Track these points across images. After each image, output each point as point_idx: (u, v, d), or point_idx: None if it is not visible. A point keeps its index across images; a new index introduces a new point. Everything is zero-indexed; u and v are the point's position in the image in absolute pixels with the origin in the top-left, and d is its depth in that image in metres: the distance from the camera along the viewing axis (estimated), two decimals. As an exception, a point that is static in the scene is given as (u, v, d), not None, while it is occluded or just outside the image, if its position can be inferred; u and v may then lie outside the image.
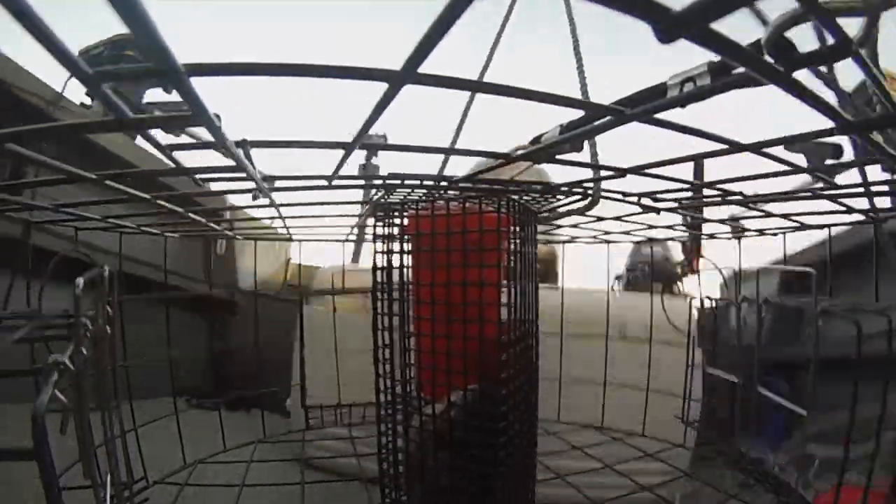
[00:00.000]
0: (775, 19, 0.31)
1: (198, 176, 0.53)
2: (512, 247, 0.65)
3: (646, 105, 0.35)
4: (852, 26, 0.30)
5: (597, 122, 0.37)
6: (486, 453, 0.63)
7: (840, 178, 0.67)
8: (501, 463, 0.63)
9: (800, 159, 0.57)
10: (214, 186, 0.58)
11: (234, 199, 0.68)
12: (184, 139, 0.46)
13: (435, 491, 0.66)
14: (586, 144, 0.59)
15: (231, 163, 0.45)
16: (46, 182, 0.58)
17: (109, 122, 0.36)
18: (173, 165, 0.49)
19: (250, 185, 0.54)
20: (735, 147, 0.54)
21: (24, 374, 0.62)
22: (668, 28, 0.21)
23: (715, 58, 0.35)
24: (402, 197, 0.61)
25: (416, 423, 0.67)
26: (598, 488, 1.01)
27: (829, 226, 1.07)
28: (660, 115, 0.38)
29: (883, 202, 0.81)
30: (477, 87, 0.30)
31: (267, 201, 0.61)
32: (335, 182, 0.50)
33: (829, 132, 0.39)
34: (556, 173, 0.51)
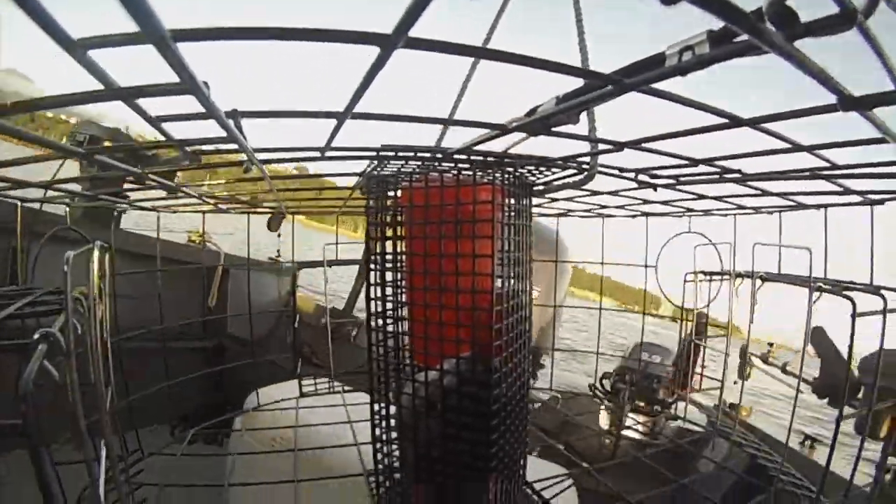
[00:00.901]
0: None
1: (188, 148, 0.52)
2: (506, 219, 0.65)
3: (645, 74, 0.35)
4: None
5: (594, 93, 0.37)
6: (479, 421, 0.64)
7: (838, 158, 0.67)
8: (493, 430, 0.64)
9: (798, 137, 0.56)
10: (206, 159, 0.58)
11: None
12: (173, 110, 0.45)
13: (427, 457, 0.67)
14: (584, 118, 0.58)
15: (222, 133, 0.45)
16: (38, 159, 0.58)
17: (99, 92, 0.35)
18: (163, 137, 0.48)
19: (242, 157, 0.54)
20: (734, 121, 0.54)
21: (13, 348, 0.62)
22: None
23: (714, 27, 0.34)
24: (395, 169, 0.61)
25: (409, 390, 0.67)
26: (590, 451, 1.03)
27: (826, 206, 1.07)
28: (659, 86, 0.38)
29: (879, 184, 0.81)
30: (470, 51, 0.29)
31: (259, 173, 0.61)
32: (328, 153, 0.50)
33: (833, 108, 0.39)
34: (553, 146, 0.51)
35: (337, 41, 0.28)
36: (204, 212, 1.09)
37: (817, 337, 1.16)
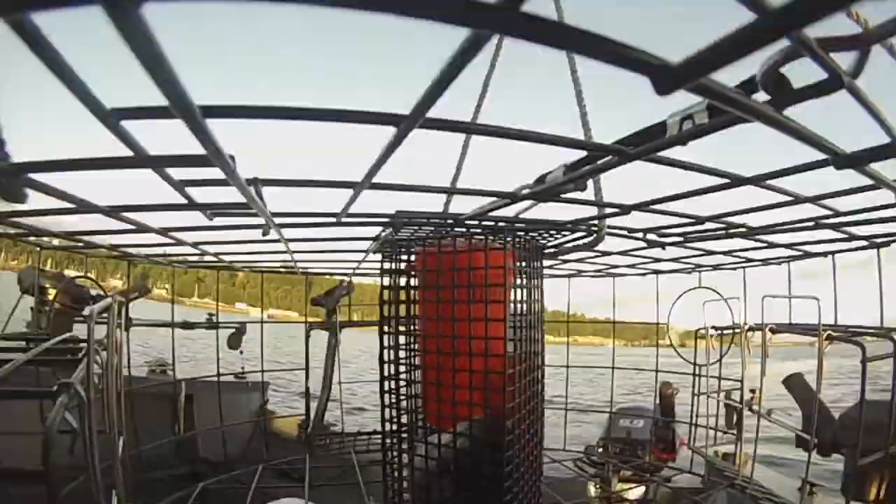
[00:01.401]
0: (769, 57, 0.32)
1: (209, 211, 0.54)
2: (518, 282, 0.66)
3: (647, 144, 0.36)
4: (846, 57, 0.31)
5: (600, 162, 0.38)
6: (492, 482, 0.63)
7: (840, 204, 0.68)
8: (507, 491, 0.63)
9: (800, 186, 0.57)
10: (224, 221, 0.59)
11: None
12: (196, 175, 0.47)
13: None
14: (590, 182, 0.59)
15: (242, 200, 0.46)
16: (61, 212, 0.59)
17: (128, 159, 0.37)
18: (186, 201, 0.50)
19: (261, 220, 0.55)
20: (736, 181, 0.55)
21: (32, 395, 0.62)
22: (666, 82, 0.22)
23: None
24: (409, 234, 0.62)
25: (422, 451, 0.67)
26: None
27: (832, 253, 1.07)
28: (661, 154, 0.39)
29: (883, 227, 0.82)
30: (484, 130, 0.31)
31: (277, 236, 0.62)
32: (344, 219, 0.51)
33: (825, 163, 0.40)
34: (562, 209, 0.52)
35: (358, 122, 0.30)
36: (218, 268, 1.11)
37: (795, 383, 1.14)
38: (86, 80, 0.26)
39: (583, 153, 0.44)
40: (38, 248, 0.87)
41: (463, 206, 0.56)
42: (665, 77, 0.21)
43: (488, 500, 0.63)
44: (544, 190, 0.42)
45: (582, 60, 0.74)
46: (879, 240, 0.85)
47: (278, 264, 1.07)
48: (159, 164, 0.39)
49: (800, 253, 1.03)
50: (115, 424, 0.67)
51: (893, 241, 0.86)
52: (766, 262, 1.16)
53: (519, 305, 0.66)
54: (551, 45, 0.19)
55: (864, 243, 0.88)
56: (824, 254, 1.09)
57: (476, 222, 0.56)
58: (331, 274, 1.19)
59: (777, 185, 0.52)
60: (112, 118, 0.32)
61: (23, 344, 0.79)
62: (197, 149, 0.34)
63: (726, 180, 0.54)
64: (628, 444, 1.79)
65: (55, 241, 0.83)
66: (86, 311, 0.61)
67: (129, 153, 0.36)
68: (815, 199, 0.61)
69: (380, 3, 0.16)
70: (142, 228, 0.66)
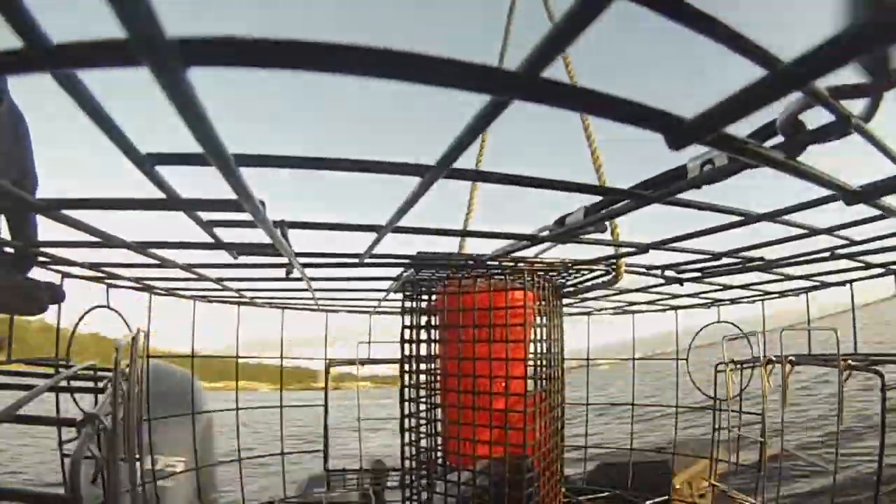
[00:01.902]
0: (787, 105, 0.33)
1: (234, 251, 0.56)
2: (538, 321, 0.67)
3: (663, 189, 0.37)
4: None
5: (619, 205, 0.39)
6: None
7: (856, 234, 0.68)
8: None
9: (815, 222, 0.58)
10: (248, 259, 0.61)
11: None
12: (224, 217, 0.48)
13: None
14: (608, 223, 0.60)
15: (268, 241, 0.48)
16: (84, 245, 0.61)
17: (159, 201, 0.39)
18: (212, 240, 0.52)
19: (284, 260, 0.57)
20: (750, 219, 0.55)
21: (59, 423, 0.64)
22: (679, 137, 0.23)
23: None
24: (430, 274, 0.63)
25: (441, 489, 0.66)
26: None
27: (850, 282, 1.06)
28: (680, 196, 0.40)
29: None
30: (507, 179, 0.32)
31: (300, 275, 0.63)
32: (366, 260, 0.52)
33: (835, 199, 0.41)
34: (580, 250, 0.53)
35: (383, 172, 0.31)
36: (239, 303, 1.13)
37: None
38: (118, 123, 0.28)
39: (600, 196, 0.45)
40: (62, 277, 0.89)
41: (483, 247, 0.57)
42: (678, 133, 0.23)
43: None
44: (565, 232, 0.43)
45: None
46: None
47: (299, 302, 1.09)
48: (192, 207, 0.40)
49: (817, 283, 1.03)
50: (134, 454, 0.68)
51: None
52: (783, 293, 1.15)
53: (539, 345, 0.67)
54: (568, 108, 0.20)
55: (881, 270, 0.88)
56: (842, 283, 1.08)
57: (496, 263, 0.57)
58: (351, 310, 1.20)
59: (791, 220, 0.53)
60: (147, 164, 0.33)
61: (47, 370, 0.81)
62: (227, 192, 0.36)
63: (741, 217, 0.55)
64: None
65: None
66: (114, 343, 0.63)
67: (162, 195, 0.38)
68: (830, 231, 0.61)
69: (404, 74, 0.17)
70: (166, 264, 0.68)
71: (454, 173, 0.31)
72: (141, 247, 0.60)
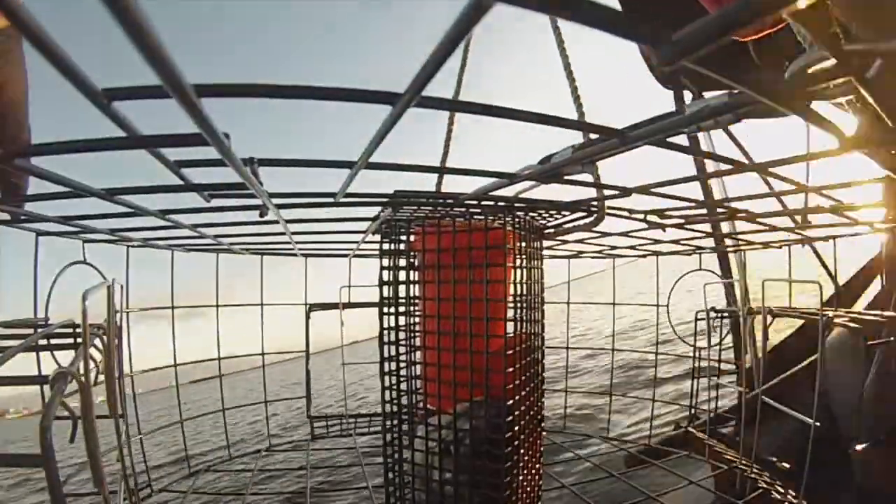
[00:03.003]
0: (801, 58, 0.32)
1: (206, 192, 0.54)
2: (518, 262, 0.66)
3: (648, 127, 0.36)
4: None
5: (608, 142, 0.37)
6: (492, 464, 0.64)
7: (844, 196, 0.67)
8: (507, 473, 0.64)
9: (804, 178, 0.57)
10: (221, 203, 0.59)
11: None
12: (191, 155, 0.46)
13: (440, 501, 0.66)
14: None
15: (239, 180, 0.46)
16: (55, 196, 0.59)
17: (121, 139, 0.37)
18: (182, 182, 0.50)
19: (258, 201, 0.55)
20: (739, 167, 0.54)
21: (31, 381, 0.62)
22: (667, 50, 0.22)
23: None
24: (408, 214, 0.62)
25: (422, 433, 0.67)
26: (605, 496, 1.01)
27: (833, 237, 1.07)
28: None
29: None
30: (481, 110, 0.30)
31: (275, 217, 0.62)
32: (341, 199, 0.51)
33: (834, 152, 0.40)
34: (562, 192, 0.51)
35: (352, 100, 0.29)
36: (217, 251, 1.11)
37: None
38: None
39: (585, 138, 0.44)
40: (36, 235, 0.86)
41: (463, 186, 0.55)
42: (667, 46, 0.21)
43: (488, 480, 0.64)
44: (546, 170, 0.42)
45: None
46: (880, 224, 0.85)
47: (278, 247, 1.07)
48: (153, 143, 0.38)
49: (801, 237, 1.03)
50: (116, 409, 0.68)
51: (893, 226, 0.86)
52: (766, 245, 1.15)
53: (519, 286, 0.66)
54: (556, 13, 0.19)
55: (867, 229, 0.88)
56: (825, 238, 1.09)
57: (476, 202, 0.56)
58: (330, 255, 1.18)
59: (779, 173, 0.52)
60: (104, 99, 0.31)
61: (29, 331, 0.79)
62: (192, 129, 0.34)
63: (730, 166, 0.53)
64: None
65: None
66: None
67: (122, 134, 0.36)
68: (819, 190, 0.60)
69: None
70: (139, 212, 0.65)
71: (428, 101, 0.29)
72: (109, 194, 0.57)
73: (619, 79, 29.45)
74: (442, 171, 0.45)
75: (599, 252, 1.19)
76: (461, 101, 0.30)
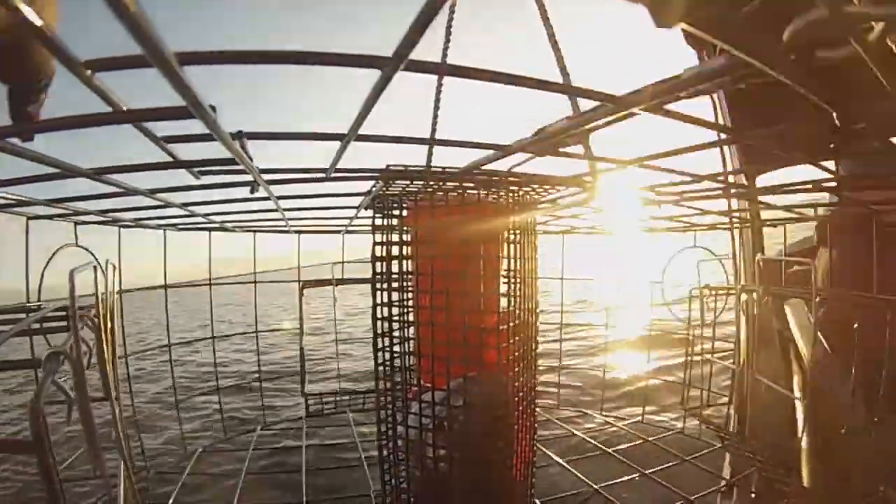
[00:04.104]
0: (799, 19, 0.31)
1: (195, 169, 0.53)
2: (511, 238, 0.65)
3: (642, 93, 0.35)
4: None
5: (603, 109, 0.36)
6: (486, 439, 0.64)
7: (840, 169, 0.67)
8: (500, 449, 0.64)
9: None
10: (212, 179, 0.58)
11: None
12: (179, 131, 0.46)
13: (434, 476, 0.66)
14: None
15: (228, 155, 0.45)
16: (42, 178, 0.58)
17: (106, 115, 0.36)
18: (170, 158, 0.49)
19: (248, 177, 0.54)
20: (736, 136, 0.54)
21: (24, 365, 0.62)
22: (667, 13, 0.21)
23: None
24: (400, 189, 0.61)
25: (416, 409, 0.67)
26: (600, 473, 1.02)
27: (827, 216, 1.06)
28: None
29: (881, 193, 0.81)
30: (473, 74, 0.29)
31: (266, 193, 0.61)
32: (333, 174, 0.50)
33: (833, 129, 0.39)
34: (556, 164, 0.50)
35: (339, 65, 0.28)
36: (209, 229, 1.10)
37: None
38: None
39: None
40: (26, 219, 0.85)
41: (457, 160, 0.55)
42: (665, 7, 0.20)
43: (482, 455, 0.64)
44: (543, 140, 0.41)
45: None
46: (876, 206, 0.85)
47: (270, 224, 1.06)
48: (138, 117, 0.38)
49: (796, 215, 1.03)
50: (111, 390, 0.67)
51: (891, 208, 0.86)
52: (762, 222, 1.15)
53: (513, 261, 0.66)
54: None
55: (862, 208, 0.88)
56: (820, 217, 1.08)
57: (469, 176, 0.55)
58: (323, 231, 1.18)
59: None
60: (85, 70, 0.31)
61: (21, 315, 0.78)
62: (177, 101, 0.33)
63: (726, 136, 0.53)
64: None
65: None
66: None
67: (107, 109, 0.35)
68: (812, 162, 0.60)
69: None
70: (129, 191, 0.64)
71: (417, 66, 0.28)
72: (97, 173, 0.56)
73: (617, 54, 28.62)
74: (434, 142, 0.44)
75: (593, 228, 1.19)
76: (451, 65, 0.29)
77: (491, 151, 0.44)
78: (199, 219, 0.91)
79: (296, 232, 1.16)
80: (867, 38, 0.29)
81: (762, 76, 0.29)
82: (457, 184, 0.58)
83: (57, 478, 0.44)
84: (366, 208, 0.73)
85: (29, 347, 0.75)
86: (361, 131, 0.38)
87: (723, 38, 0.27)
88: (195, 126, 0.38)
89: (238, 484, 0.99)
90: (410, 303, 0.69)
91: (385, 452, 0.74)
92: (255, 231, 1.14)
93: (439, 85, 0.63)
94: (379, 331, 0.69)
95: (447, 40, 0.59)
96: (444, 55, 0.58)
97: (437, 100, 0.64)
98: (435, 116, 0.64)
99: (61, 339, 0.63)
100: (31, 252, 0.91)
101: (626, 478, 1.03)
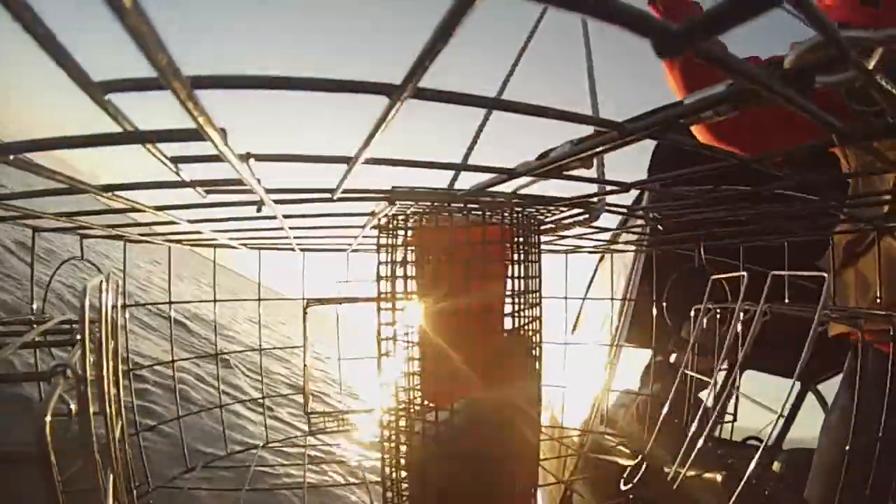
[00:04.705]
0: (800, 46, 0.31)
1: (202, 189, 0.53)
2: (516, 258, 0.66)
3: (647, 120, 0.35)
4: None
5: (608, 135, 0.37)
6: (490, 462, 0.63)
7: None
8: (504, 470, 0.63)
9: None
10: (219, 199, 0.59)
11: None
12: (188, 152, 0.46)
13: (438, 497, 0.66)
14: (594, 161, 0.59)
15: (236, 176, 0.46)
16: (50, 192, 0.59)
17: (117, 135, 0.36)
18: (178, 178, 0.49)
19: (255, 197, 0.54)
20: (740, 160, 0.54)
21: (28, 378, 0.62)
22: (665, 44, 0.21)
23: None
24: (406, 209, 0.61)
25: (419, 429, 0.67)
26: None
27: (832, 233, 1.07)
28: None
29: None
30: (479, 102, 0.30)
31: (272, 212, 0.61)
32: (338, 195, 0.51)
33: (832, 143, 0.40)
34: (561, 187, 0.51)
35: (347, 91, 0.29)
36: (215, 246, 1.11)
37: None
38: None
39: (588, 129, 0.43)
40: (33, 231, 0.86)
41: (465, 182, 0.55)
42: (664, 38, 0.21)
43: (485, 477, 0.64)
44: (544, 166, 0.41)
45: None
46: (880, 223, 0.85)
47: (276, 242, 1.07)
48: (150, 139, 0.38)
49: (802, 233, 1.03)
50: (111, 406, 0.67)
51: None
52: (766, 239, 1.15)
53: (517, 282, 0.66)
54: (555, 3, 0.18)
55: (868, 227, 0.88)
56: (824, 234, 1.09)
57: (475, 198, 0.56)
58: (327, 249, 1.18)
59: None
60: (99, 91, 0.31)
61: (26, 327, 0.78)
62: (188, 124, 0.33)
63: (733, 161, 0.53)
64: None
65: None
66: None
67: (118, 129, 0.36)
68: (815, 180, 0.60)
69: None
70: (136, 208, 0.65)
71: (426, 94, 0.29)
72: (105, 190, 0.57)
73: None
74: (439, 166, 0.44)
75: (597, 247, 1.19)
76: (460, 94, 0.29)
77: (496, 175, 0.45)
78: (207, 234, 0.91)
79: (301, 250, 1.16)
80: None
81: (763, 102, 0.30)
82: (462, 205, 0.58)
83: (60, 493, 0.44)
84: (371, 228, 0.74)
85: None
86: (372, 154, 0.38)
87: (724, 66, 0.27)
88: (205, 146, 0.39)
89: (239, 501, 0.99)
90: (414, 322, 0.69)
91: (388, 472, 0.74)
92: (259, 248, 1.14)
93: (486, 115, 0.64)
94: (382, 350, 0.69)
95: (508, 76, 0.60)
96: (501, 90, 0.58)
97: (480, 129, 0.65)
98: (472, 145, 0.65)
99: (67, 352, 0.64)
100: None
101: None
